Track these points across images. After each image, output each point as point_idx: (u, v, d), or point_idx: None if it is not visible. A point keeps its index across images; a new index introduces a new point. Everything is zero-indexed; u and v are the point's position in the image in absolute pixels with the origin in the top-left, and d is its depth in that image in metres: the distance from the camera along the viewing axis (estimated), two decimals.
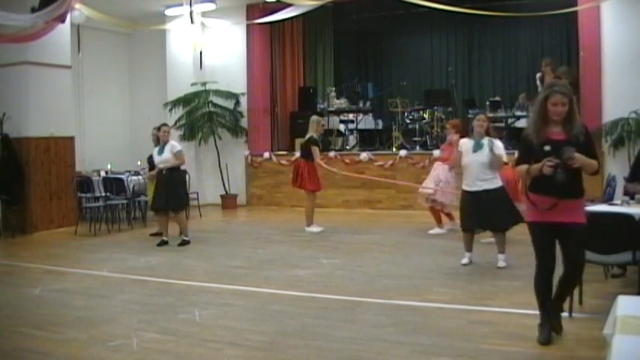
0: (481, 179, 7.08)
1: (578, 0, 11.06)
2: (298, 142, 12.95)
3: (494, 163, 7.05)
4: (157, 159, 9.32)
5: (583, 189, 4.59)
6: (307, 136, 10.15)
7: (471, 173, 7.16)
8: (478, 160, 7.07)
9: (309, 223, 10.16)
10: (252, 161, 13.96)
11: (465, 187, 7.25)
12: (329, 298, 6.17)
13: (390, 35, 17.56)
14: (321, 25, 15.86)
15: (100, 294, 6.60)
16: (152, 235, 10.01)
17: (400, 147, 13.01)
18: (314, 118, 10.46)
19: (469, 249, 7.42)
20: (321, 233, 10.00)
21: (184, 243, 9.22)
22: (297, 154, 12.81)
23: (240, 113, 13.97)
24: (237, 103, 13.87)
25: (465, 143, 7.27)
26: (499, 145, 7.14)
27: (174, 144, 9.31)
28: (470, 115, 12.48)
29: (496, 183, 7.15)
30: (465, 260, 7.37)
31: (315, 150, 9.97)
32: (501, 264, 7.21)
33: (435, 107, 13.57)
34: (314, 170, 10.08)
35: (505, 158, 7.29)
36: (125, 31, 14.89)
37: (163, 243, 9.26)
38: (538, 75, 12.05)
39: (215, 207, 13.60)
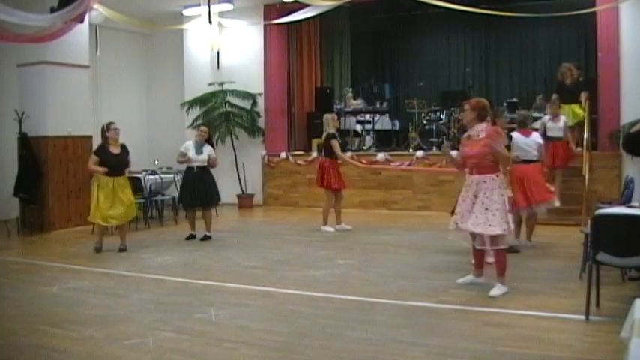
0: None
1: (597, 0, 10.98)
2: (315, 142, 12.97)
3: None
4: (194, 157, 9.58)
5: None
6: (325, 134, 10.16)
7: None
8: None
9: (325, 222, 10.19)
10: (269, 161, 13.98)
11: None
12: (344, 299, 6.16)
13: (407, 36, 17.53)
14: (338, 26, 15.87)
15: (116, 292, 6.65)
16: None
17: (417, 148, 12.98)
18: (327, 115, 10.44)
19: None
20: (335, 233, 10.01)
21: (206, 238, 9.63)
22: (314, 154, 12.85)
23: (257, 113, 14.00)
24: (254, 103, 13.90)
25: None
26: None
27: (211, 148, 9.75)
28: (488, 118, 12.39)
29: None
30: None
31: (335, 144, 9.98)
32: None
33: (452, 108, 13.51)
34: (338, 168, 10.10)
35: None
36: (143, 31, 14.98)
37: (191, 237, 9.73)
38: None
39: (232, 207, 13.62)
